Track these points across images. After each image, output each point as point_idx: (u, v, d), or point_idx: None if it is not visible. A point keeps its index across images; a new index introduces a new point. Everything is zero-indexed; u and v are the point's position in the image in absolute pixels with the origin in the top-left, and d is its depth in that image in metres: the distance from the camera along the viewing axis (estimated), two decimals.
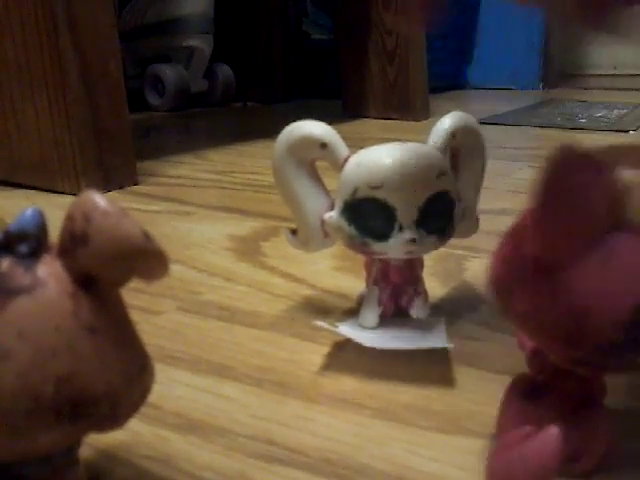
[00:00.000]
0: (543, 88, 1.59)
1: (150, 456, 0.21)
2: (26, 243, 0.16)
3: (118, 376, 0.16)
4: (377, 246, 0.26)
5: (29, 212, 0.16)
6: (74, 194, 0.57)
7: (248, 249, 0.42)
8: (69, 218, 0.15)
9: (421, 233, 0.26)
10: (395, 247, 0.26)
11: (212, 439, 0.22)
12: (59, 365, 0.15)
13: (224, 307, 0.33)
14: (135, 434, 0.22)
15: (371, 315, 0.28)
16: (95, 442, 0.20)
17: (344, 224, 0.27)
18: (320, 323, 0.27)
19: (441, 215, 0.27)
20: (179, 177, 0.65)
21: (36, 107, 0.59)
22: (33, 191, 0.59)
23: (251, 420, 0.23)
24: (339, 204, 0.27)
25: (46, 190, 0.59)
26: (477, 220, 0.31)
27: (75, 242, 0.15)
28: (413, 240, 0.26)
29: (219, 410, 0.24)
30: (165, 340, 0.29)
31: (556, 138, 0.84)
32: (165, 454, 0.21)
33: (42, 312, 0.15)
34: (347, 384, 0.26)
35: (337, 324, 0.28)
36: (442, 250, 0.40)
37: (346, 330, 0.27)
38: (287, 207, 0.29)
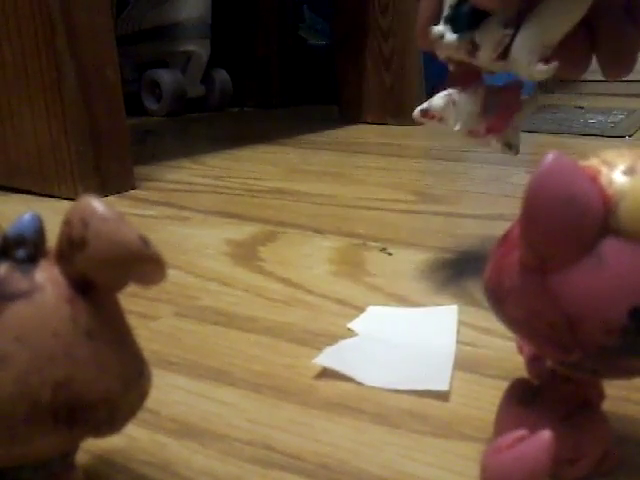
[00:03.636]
0: (539, 94, 1.59)
1: (147, 461, 0.21)
2: (24, 248, 0.16)
3: (116, 381, 0.16)
4: None
5: (27, 217, 0.16)
6: (71, 199, 0.57)
7: (245, 254, 0.42)
8: (67, 223, 0.16)
9: None
10: None
11: (209, 444, 0.22)
12: (57, 370, 0.15)
13: (221, 312, 0.33)
14: (132, 439, 0.22)
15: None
16: (92, 447, 0.20)
17: None
18: (322, 361, 0.27)
19: None
20: (176, 182, 0.65)
21: (33, 111, 0.59)
22: (30, 196, 0.59)
23: (248, 425, 0.23)
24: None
25: (43, 195, 0.59)
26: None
27: (73, 247, 0.15)
28: None
29: (216, 415, 0.24)
30: (162, 345, 0.29)
31: (552, 144, 0.84)
32: (162, 459, 0.21)
33: (40, 317, 0.15)
34: (344, 389, 0.26)
35: (335, 353, 0.27)
36: (438, 255, 0.41)
37: (348, 367, 0.26)
38: None
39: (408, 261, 0.40)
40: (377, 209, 0.53)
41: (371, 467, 0.21)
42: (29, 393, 0.15)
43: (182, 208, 0.55)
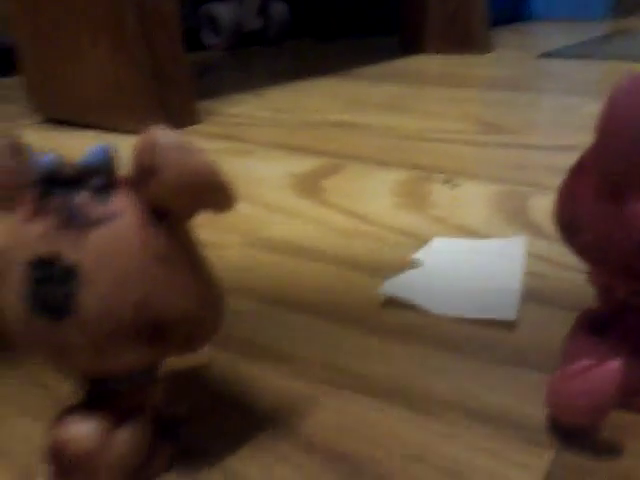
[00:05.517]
0: (613, 18, 1.50)
1: (222, 379, 0.22)
2: (99, 177, 0.16)
3: (193, 303, 0.17)
4: None
5: (98, 148, 0.17)
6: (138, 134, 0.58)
7: (309, 186, 0.43)
8: (138, 152, 0.16)
9: None
10: None
11: (281, 365, 0.23)
12: (136, 291, 0.16)
13: (288, 242, 0.34)
14: (209, 359, 0.23)
15: None
16: (174, 364, 0.22)
17: None
18: (387, 290, 0.27)
19: None
20: (238, 116, 0.65)
21: (98, 50, 0.60)
22: (98, 132, 0.61)
23: (318, 348, 0.24)
24: None
25: (111, 130, 0.60)
26: None
27: (145, 175, 0.16)
28: None
29: (287, 338, 0.25)
30: (233, 273, 0.30)
31: (626, 71, 0.79)
32: (236, 378, 0.22)
33: (118, 242, 0.16)
34: (409, 317, 0.26)
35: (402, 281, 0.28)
36: (506, 187, 0.40)
37: (413, 296, 0.27)
38: None
39: (474, 193, 0.40)
40: (441, 141, 0.52)
41: (438, 389, 0.21)
42: (112, 312, 0.16)
43: (244, 141, 0.55)
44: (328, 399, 0.21)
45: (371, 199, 0.39)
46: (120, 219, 0.16)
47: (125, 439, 0.17)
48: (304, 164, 0.47)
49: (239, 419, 0.20)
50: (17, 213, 0.16)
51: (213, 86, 0.83)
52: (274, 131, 0.59)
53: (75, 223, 0.16)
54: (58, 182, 0.16)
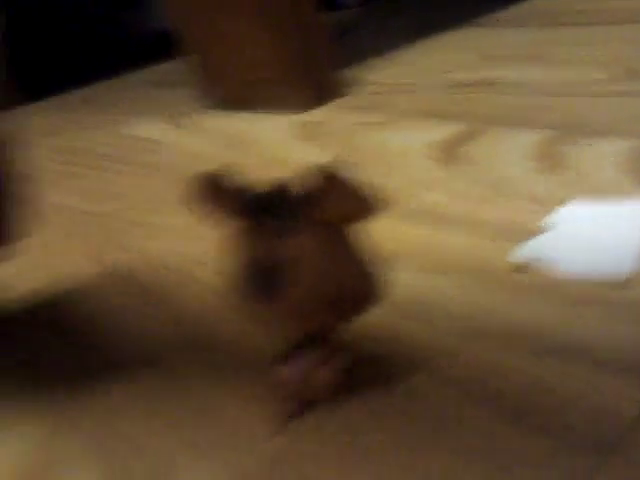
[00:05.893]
0: None
1: (378, 337, 0.28)
2: (287, 210, 0.22)
3: (359, 283, 0.23)
4: None
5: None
6: (290, 111, 0.64)
7: (446, 155, 0.46)
8: (321, 185, 0.22)
9: None
10: None
11: (429, 323, 0.28)
12: (332, 279, 0.22)
13: (426, 213, 0.38)
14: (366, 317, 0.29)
15: None
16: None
17: None
18: (519, 256, 0.31)
19: None
20: (377, 83, 0.69)
21: (253, 30, 0.66)
22: (252, 113, 0.68)
23: (461, 308, 0.29)
24: None
25: (268, 109, 0.67)
26: None
27: (323, 203, 0.22)
28: None
29: (435, 302, 0.30)
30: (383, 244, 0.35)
31: None
32: (391, 336, 0.28)
33: (309, 246, 0.22)
34: (543, 278, 0.30)
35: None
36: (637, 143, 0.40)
37: (544, 260, 0.30)
38: None
39: (612, 153, 0.41)
40: (581, 95, 0.53)
41: (571, 341, 0.25)
42: (311, 292, 0.22)
43: (381, 111, 0.59)
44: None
45: (507, 164, 0.42)
46: (307, 231, 0.22)
47: (319, 377, 0.24)
48: (441, 131, 0.51)
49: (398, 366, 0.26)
50: (232, 228, 0.23)
51: (351, 51, 0.86)
52: (410, 98, 0.62)
53: (281, 234, 0.22)
54: (263, 206, 0.22)
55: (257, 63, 0.67)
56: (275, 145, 0.58)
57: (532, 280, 0.30)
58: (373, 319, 0.26)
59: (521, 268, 0.31)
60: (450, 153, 0.47)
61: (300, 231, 0.22)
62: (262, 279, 0.22)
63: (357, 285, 0.23)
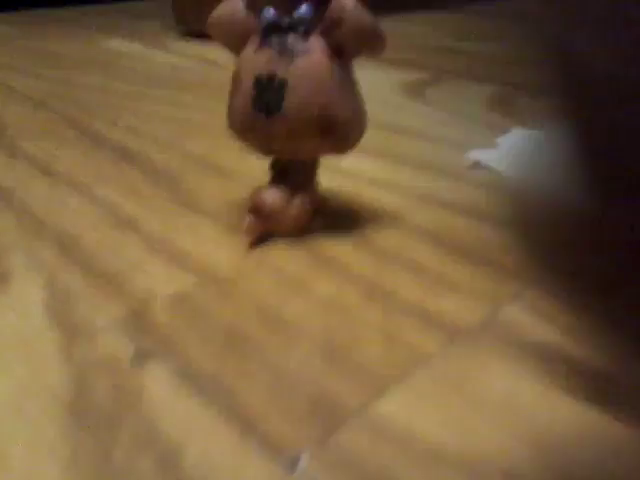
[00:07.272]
0: None
1: (355, 202, 0.32)
2: (303, 25, 0.26)
3: (352, 113, 0.26)
4: None
5: (304, 6, 0.26)
6: None
7: (415, 93, 0.51)
8: (330, 10, 0.25)
9: None
10: None
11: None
12: (321, 98, 0.25)
13: (392, 125, 0.43)
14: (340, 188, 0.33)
15: None
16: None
17: None
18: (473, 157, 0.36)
19: None
20: None
21: None
22: None
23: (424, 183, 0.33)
24: None
25: None
26: None
27: (333, 25, 0.25)
28: None
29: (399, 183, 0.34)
30: None
31: None
32: (365, 201, 0.32)
33: (312, 66, 0.25)
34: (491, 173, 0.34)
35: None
36: None
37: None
38: None
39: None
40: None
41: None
42: (305, 110, 0.25)
43: None
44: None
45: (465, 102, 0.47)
46: (314, 53, 0.25)
47: (297, 204, 0.27)
48: (408, 76, 0.56)
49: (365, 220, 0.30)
50: (247, 48, 0.26)
51: None
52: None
53: (286, 54, 0.25)
54: (276, 28, 0.26)
55: None
56: None
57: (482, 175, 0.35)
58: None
59: (475, 166, 0.36)
60: (416, 92, 0.51)
61: (307, 51, 0.25)
62: (264, 97, 0.25)
63: (350, 116, 0.25)
